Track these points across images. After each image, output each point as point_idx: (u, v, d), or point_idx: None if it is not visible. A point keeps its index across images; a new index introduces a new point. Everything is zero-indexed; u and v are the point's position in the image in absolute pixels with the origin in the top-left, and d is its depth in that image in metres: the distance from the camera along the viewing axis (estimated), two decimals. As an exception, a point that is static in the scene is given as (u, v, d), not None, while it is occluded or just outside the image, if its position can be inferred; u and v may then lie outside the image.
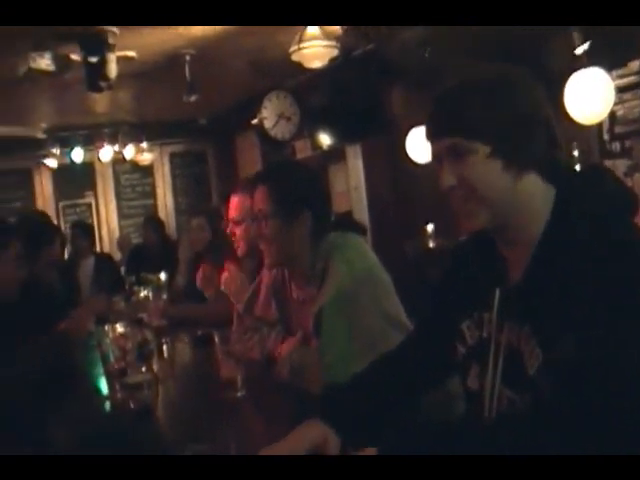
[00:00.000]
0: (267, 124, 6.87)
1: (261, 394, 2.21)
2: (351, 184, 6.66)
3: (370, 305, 2.09)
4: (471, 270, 1.48)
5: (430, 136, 1.38)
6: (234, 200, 3.20)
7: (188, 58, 5.74)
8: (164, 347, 3.11)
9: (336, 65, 5.33)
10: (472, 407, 1.45)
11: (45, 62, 4.93)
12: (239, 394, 2.15)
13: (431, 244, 5.64)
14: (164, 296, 4.05)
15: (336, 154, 6.77)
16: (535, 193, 1.33)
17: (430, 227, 5.64)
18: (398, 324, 2.12)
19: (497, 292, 1.39)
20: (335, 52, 4.81)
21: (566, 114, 4.03)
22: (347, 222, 2.41)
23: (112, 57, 4.78)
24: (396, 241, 5.71)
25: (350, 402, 1.54)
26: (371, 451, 1.33)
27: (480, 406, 1.40)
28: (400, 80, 5.95)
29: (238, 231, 3.15)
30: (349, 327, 2.06)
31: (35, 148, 9.14)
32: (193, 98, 5.96)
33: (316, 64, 4.89)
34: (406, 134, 5.55)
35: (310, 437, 1.45)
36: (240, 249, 3.16)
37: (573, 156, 4.38)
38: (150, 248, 6.91)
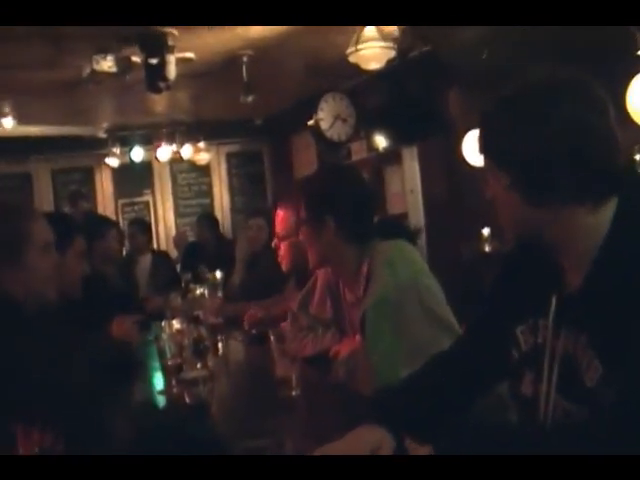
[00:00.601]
0: (323, 125, 6.88)
1: (316, 394, 2.22)
2: (407, 186, 6.62)
3: (415, 310, 2.10)
4: (526, 275, 1.46)
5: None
6: (279, 214, 3.23)
7: (246, 59, 5.78)
8: (219, 344, 3.14)
9: (393, 67, 5.31)
10: (525, 413, 1.42)
11: (107, 64, 5.04)
12: (294, 393, 2.15)
13: (487, 248, 5.57)
14: (220, 294, 4.10)
15: (392, 156, 6.75)
16: (577, 219, 1.29)
17: (486, 231, 5.57)
18: (447, 328, 2.12)
19: (553, 298, 1.36)
20: (392, 53, 4.79)
21: (628, 117, 3.94)
22: (395, 226, 2.43)
23: (171, 58, 4.85)
24: (452, 244, 5.66)
25: (404, 404, 1.54)
26: (426, 450, 1.31)
27: (534, 413, 1.38)
28: (457, 82, 5.90)
29: (282, 247, 3.17)
30: (393, 330, 2.07)
31: (97, 147, 9.34)
32: (250, 99, 6.00)
33: (373, 65, 4.88)
34: (463, 136, 5.51)
35: (367, 440, 1.44)
36: (285, 265, 3.19)
37: (635, 160, 4.28)
38: (205, 246, 6.98)
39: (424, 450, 1.33)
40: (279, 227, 3.21)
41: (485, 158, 1.34)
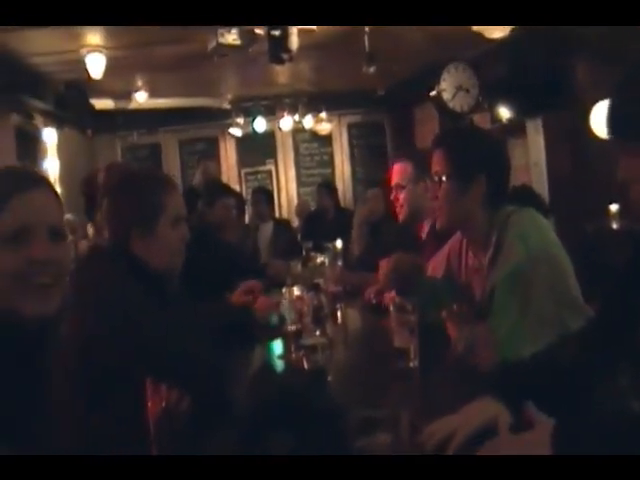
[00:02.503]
0: (445, 96, 6.77)
1: (434, 367, 2.21)
2: (531, 159, 6.45)
3: (545, 286, 2.03)
4: None
5: None
6: (396, 167, 3.23)
7: (367, 29, 5.75)
8: (338, 313, 3.16)
9: (518, 35, 5.15)
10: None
11: (232, 37, 5.14)
12: (412, 364, 2.14)
13: (615, 225, 5.36)
14: (340, 263, 4.14)
15: (516, 128, 6.59)
16: None
17: (614, 207, 5.36)
18: (574, 307, 2.05)
19: None
20: (518, 22, 4.65)
21: None
22: (528, 196, 2.32)
23: (293, 30, 4.90)
24: (577, 221, 5.48)
25: (526, 382, 1.51)
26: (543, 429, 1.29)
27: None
28: (585, 51, 5.66)
29: (401, 195, 3.17)
30: (521, 306, 2.02)
31: (221, 118, 9.59)
32: (372, 69, 5.98)
33: (497, 34, 4.76)
34: (591, 108, 5.29)
35: (484, 413, 1.43)
36: (402, 214, 3.17)
37: None
38: (325, 214, 7.06)
39: (544, 427, 1.30)
40: (396, 178, 3.21)
41: (620, 136, 1.26)
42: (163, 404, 1.59)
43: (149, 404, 1.60)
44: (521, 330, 2.00)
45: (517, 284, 2.04)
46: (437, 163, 2.23)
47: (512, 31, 4.77)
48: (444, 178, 2.19)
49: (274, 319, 2.93)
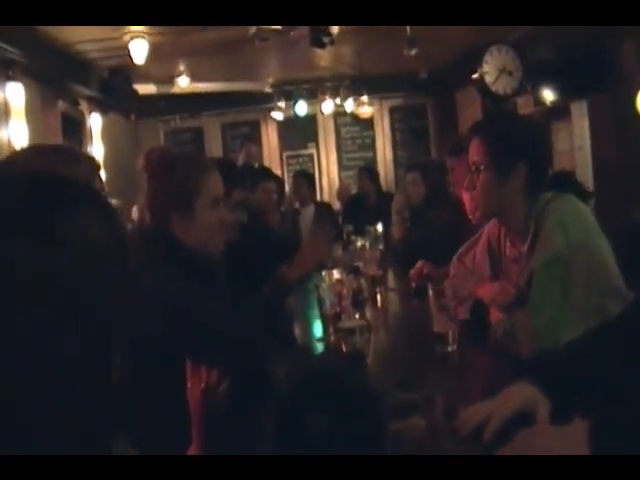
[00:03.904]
0: (488, 79, 6.70)
1: (472, 352, 2.21)
2: (575, 143, 6.35)
3: (585, 274, 2.00)
4: None
5: None
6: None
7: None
8: (378, 296, 3.18)
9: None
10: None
11: (273, 20, 5.15)
12: (450, 349, 2.16)
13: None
14: (380, 246, 4.15)
15: (560, 111, 6.48)
16: None
17: (660, 192, 5.27)
18: (615, 295, 2.01)
19: None
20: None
21: None
22: (568, 182, 2.27)
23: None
24: (622, 207, 5.39)
25: (564, 368, 1.50)
26: (581, 425, 1.29)
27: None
28: (631, 32, 5.54)
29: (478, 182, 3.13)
30: (560, 294, 2.00)
31: (263, 101, 9.63)
32: (413, 52, 5.96)
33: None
34: (637, 91, 5.19)
35: (520, 398, 1.43)
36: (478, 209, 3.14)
37: None
38: (366, 198, 7.06)
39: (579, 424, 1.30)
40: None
41: None
42: (202, 385, 1.63)
43: (188, 385, 1.64)
44: (561, 318, 1.98)
45: (556, 271, 2.02)
46: (474, 152, 2.20)
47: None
48: (482, 167, 2.17)
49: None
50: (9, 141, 5.39)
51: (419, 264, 2.96)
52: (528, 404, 1.42)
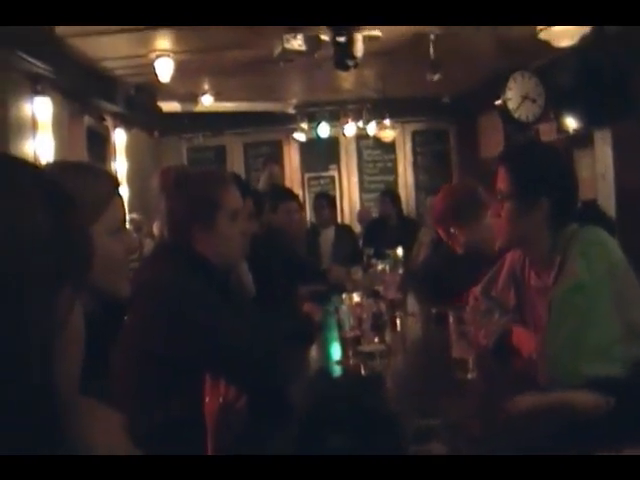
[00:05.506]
0: (511, 105, 6.70)
1: (492, 379, 2.19)
2: (598, 171, 6.32)
3: (606, 306, 1.96)
4: None
5: None
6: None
7: (432, 37, 5.74)
8: (397, 320, 3.16)
9: (587, 44, 5.05)
10: None
11: (297, 43, 5.19)
12: (469, 375, 2.15)
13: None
14: (400, 270, 4.14)
15: (583, 139, 6.46)
16: None
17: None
18: (636, 329, 1.97)
19: None
20: (586, 30, 4.57)
21: None
22: (593, 213, 2.27)
23: (359, 37, 4.91)
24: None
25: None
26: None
27: None
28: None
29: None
30: (578, 323, 1.96)
31: (285, 122, 9.69)
32: (437, 77, 5.96)
33: (565, 43, 4.68)
34: (663, 119, 5.17)
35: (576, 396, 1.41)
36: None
37: None
38: (387, 221, 7.06)
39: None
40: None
41: None
42: (220, 400, 1.63)
43: (206, 399, 1.64)
44: (577, 348, 1.94)
45: (575, 300, 1.99)
46: (501, 181, 2.20)
47: (581, 39, 4.68)
48: (506, 197, 2.17)
49: None
50: (35, 154, 5.45)
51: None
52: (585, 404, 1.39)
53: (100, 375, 1.24)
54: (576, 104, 6.33)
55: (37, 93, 5.51)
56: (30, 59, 5.12)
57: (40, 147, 5.51)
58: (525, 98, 6.70)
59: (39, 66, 5.31)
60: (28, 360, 0.71)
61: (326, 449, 1.42)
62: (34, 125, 5.50)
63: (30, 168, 0.82)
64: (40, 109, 5.55)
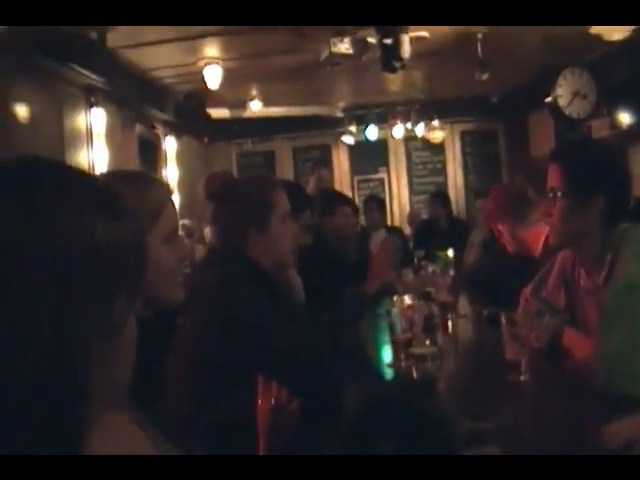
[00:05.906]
0: (561, 102, 6.59)
1: (545, 382, 2.17)
2: (652, 167, 6.19)
3: None
4: None
5: None
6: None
7: (480, 36, 5.71)
8: (449, 322, 3.15)
9: (638, 36, 4.95)
10: None
11: (345, 46, 5.21)
12: (522, 378, 2.12)
13: None
14: (451, 272, 4.12)
15: (637, 135, 6.34)
16: None
17: None
18: None
19: None
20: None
21: None
22: None
23: (405, 38, 4.91)
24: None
25: None
26: None
27: None
28: None
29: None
30: (631, 323, 1.93)
31: (334, 126, 9.71)
32: (485, 76, 5.92)
33: (616, 36, 4.60)
34: None
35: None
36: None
37: None
38: (437, 223, 7.02)
39: None
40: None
41: None
42: (272, 402, 1.65)
43: (259, 402, 1.66)
44: (632, 350, 1.91)
45: (628, 300, 1.96)
46: (553, 178, 2.17)
47: (632, 32, 4.59)
48: (559, 194, 2.14)
49: None
50: (89, 164, 5.58)
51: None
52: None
53: (154, 380, 1.28)
54: (629, 99, 6.22)
55: (92, 105, 5.65)
56: (84, 71, 5.25)
57: (96, 157, 5.65)
58: (576, 95, 6.59)
59: (93, 78, 5.44)
60: (73, 361, 0.72)
61: (376, 452, 1.42)
62: (88, 136, 5.64)
63: (86, 178, 0.85)
64: (95, 120, 5.69)
